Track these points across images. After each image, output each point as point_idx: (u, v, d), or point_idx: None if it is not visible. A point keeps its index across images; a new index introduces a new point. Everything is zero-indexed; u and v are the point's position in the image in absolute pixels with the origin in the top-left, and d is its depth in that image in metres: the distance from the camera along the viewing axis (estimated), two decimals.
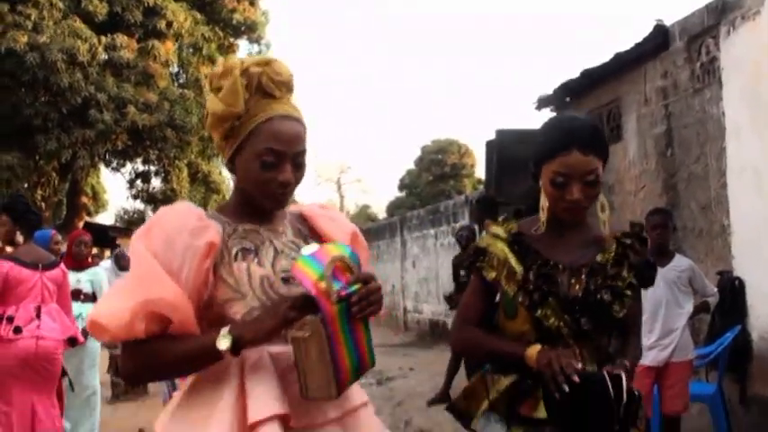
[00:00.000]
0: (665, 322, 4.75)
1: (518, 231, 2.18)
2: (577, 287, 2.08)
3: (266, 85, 1.76)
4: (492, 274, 2.14)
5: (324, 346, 1.60)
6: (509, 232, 2.18)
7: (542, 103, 8.97)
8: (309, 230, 1.94)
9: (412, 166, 38.88)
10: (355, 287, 1.66)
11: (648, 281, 2.22)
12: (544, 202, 2.13)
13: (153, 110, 17.47)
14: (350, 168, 47.24)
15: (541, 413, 2.00)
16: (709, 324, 5.93)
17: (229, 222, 1.81)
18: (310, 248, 1.74)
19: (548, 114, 9.29)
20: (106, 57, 17.63)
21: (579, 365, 1.90)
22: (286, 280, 1.76)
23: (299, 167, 1.79)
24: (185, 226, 1.70)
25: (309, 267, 1.66)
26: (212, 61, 20.72)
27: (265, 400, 1.62)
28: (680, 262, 4.92)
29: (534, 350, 2.01)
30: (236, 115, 1.74)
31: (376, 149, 72.18)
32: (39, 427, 4.61)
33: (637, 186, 7.30)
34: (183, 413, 1.71)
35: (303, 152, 1.79)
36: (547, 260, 2.10)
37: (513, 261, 2.11)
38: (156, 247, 1.67)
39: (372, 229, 19.26)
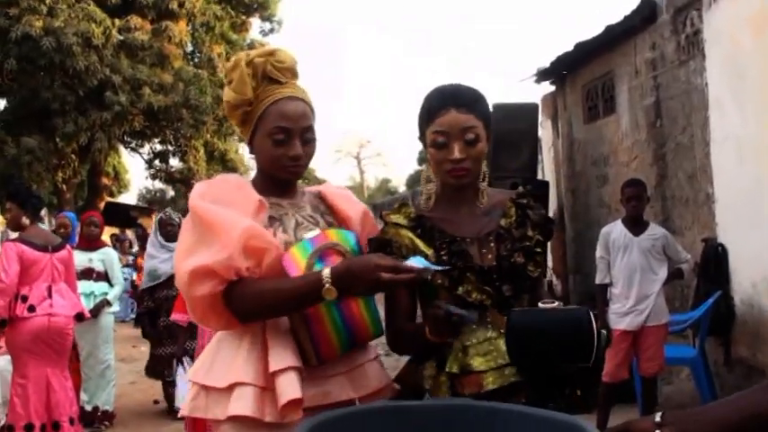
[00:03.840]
0: (640, 289, 4.96)
1: (418, 214, 2.13)
2: (489, 256, 2.05)
3: (271, 72, 1.97)
4: None
5: (304, 323, 1.86)
6: (409, 217, 2.12)
7: (541, 76, 9.11)
8: (327, 208, 2.14)
9: None
10: None
11: (549, 234, 2.17)
12: (430, 173, 2.15)
13: (168, 90, 17.75)
14: (369, 143, 47.13)
15: (490, 384, 1.96)
16: (695, 289, 6.11)
17: None
18: (310, 234, 1.97)
19: (548, 88, 9.43)
20: (121, 39, 17.90)
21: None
22: None
23: (307, 142, 2.00)
24: (238, 186, 1.97)
25: (301, 253, 1.89)
26: (226, 40, 20.94)
27: (285, 353, 1.86)
28: (654, 231, 5.12)
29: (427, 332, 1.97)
30: (246, 102, 1.97)
31: (395, 122, 72.18)
32: (53, 397, 4.93)
33: (629, 157, 7.45)
34: (211, 362, 1.95)
35: (310, 128, 2.01)
36: (453, 236, 2.07)
37: (421, 245, 2.06)
38: (216, 202, 1.89)
39: (386, 204, 19.48)
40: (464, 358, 1.98)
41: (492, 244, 2.07)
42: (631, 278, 4.97)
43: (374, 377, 2.03)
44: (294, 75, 2.04)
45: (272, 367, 1.83)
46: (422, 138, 2.13)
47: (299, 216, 2.03)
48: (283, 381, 1.82)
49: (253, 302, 1.84)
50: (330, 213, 2.12)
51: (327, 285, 1.75)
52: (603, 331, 1.82)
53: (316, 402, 1.88)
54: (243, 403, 1.82)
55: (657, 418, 1.36)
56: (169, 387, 6.45)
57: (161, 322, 6.40)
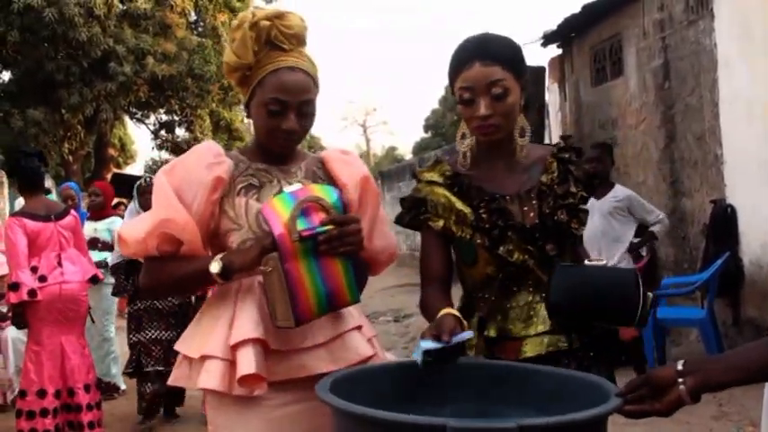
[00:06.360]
0: (602, 253, 4.90)
1: (455, 172, 2.02)
2: (531, 214, 1.94)
3: (275, 38, 1.87)
4: (440, 223, 1.98)
5: (282, 280, 1.75)
6: (444, 175, 2.02)
7: (548, 39, 9.02)
8: (326, 174, 2.05)
9: (437, 105, 38.62)
10: (325, 228, 1.78)
11: (592, 190, 2.07)
12: (465, 129, 2.01)
13: (172, 60, 17.67)
14: (375, 110, 46.97)
15: (528, 352, 1.88)
16: (704, 251, 6.11)
17: (245, 161, 1.97)
18: (292, 187, 1.90)
19: (555, 51, 9.35)
20: (123, 8, 17.79)
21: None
22: None
23: (304, 116, 1.91)
24: (202, 162, 1.90)
25: (283, 206, 1.82)
26: (229, 8, 20.72)
27: (245, 325, 1.82)
28: (617, 193, 5.09)
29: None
30: (245, 66, 1.88)
31: (401, 90, 71.78)
32: (68, 364, 4.97)
33: (637, 120, 7.41)
34: (195, 328, 1.96)
35: (308, 102, 1.91)
36: (492, 194, 1.96)
37: (459, 204, 1.97)
38: (176, 180, 1.89)
39: (393, 171, 19.44)
40: (503, 322, 1.92)
41: (534, 201, 1.97)
42: (592, 244, 4.87)
43: (354, 348, 1.95)
44: (300, 42, 1.93)
45: (232, 340, 1.82)
46: (452, 92, 2.00)
47: (285, 182, 1.96)
48: (242, 354, 1.79)
49: (149, 280, 1.98)
50: (328, 180, 2.03)
51: (215, 260, 1.82)
52: (650, 294, 1.76)
53: (291, 375, 1.85)
54: (211, 376, 1.82)
55: (679, 366, 1.38)
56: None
57: (140, 305, 5.45)
